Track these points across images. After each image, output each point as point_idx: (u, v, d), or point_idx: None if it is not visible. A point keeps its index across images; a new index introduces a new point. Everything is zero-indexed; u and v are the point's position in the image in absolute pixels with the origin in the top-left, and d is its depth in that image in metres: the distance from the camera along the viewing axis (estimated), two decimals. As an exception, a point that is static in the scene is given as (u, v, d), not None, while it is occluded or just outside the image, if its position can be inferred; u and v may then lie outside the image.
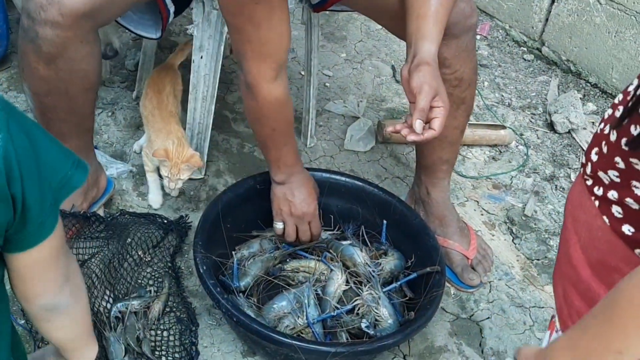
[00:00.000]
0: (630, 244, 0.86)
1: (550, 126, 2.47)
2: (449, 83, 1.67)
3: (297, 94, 2.39)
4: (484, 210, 2.11)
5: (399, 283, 1.70)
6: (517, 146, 2.37)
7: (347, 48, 2.69)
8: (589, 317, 0.80)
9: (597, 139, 0.92)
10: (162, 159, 1.78)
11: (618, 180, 0.87)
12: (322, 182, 1.82)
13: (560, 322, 0.99)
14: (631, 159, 0.84)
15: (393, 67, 2.63)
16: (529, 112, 2.55)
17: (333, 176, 1.85)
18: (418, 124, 1.33)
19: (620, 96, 0.90)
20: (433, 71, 1.39)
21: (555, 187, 2.22)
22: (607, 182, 0.89)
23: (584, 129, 2.45)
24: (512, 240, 2.02)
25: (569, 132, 2.45)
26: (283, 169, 1.67)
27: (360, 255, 1.70)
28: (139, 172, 2.01)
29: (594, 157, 0.92)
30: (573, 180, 2.23)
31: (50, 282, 0.92)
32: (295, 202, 1.69)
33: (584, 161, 0.95)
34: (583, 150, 2.37)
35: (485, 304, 1.82)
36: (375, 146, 2.25)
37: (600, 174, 0.90)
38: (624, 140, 0.84)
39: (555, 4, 2.75)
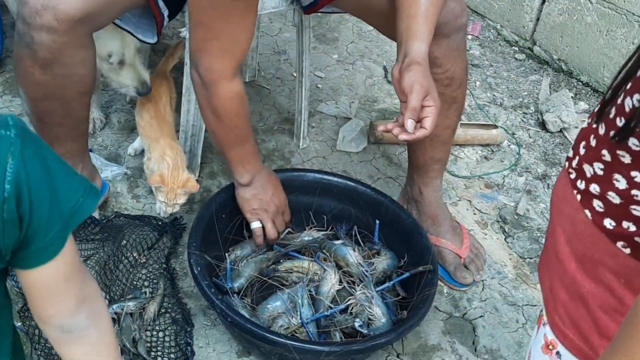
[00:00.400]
0: (612, 237, 0.87)
1: (542, 125, 2.49)
2: (440, 82, 1.68)
3: (290, 96, 2.40)
4: (477, 209, 2.12)
5: (392, 282, 1.71)
6: (509, 145, 2.39)
7: (339, 49, 2.71)
8: (616, 339, 0.78)
9: (586, 132, 0.94)
10: (158, 185, 1.79)
11: (602, 173, 0.88)
12: (314, 182, 1.83)
13: (547, 316, 1.00)
14: (618, 151, 0.85)
15: (385, 68, 2.65)
16: (520, 112, 2.56)
17: (326, 177, 1.87)
18: (410, 123, 1.35)
19: (610, 92, 0.91)
20: (424, 70, 1.40)
21: (548, 186, 2.24)
22: (589, 176, 0.90)
23: (576, 127, 2.47)
24: (505, 239, 2.03)
25: (560, 131, 2.47)
26: (248, 168, 1.69)
27: (353, 255, 1.71)
28: (133, 175, 2.02)
29: (582, 151, 0.93)
30: (564, 178, 2.25)
31: (63, 304, 0.91)
32: (266, 198, 1.71)
33: (570, 155, 0.96)
34: (574, 148, 2.39)
35: (478, 302, 1.83)
36: (367, 147, 2.26)
37: (585, 166, 0.91)
38: (612, 133, 0.85)
39: (546, 3, 2.77)
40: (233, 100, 1.58)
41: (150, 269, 1.76)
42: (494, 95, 2.63)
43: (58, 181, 0.82)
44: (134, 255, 1.76)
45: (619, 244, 0.87)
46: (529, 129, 2.48)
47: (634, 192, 0.84)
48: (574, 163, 0.94)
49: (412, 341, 1.71)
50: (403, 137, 1.36)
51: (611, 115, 0.87)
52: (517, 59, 2.85)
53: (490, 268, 1.93)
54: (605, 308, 0.91)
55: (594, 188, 0.89)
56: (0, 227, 0.77)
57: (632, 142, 0.82)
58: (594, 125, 0.91)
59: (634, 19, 2.47)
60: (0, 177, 0.75)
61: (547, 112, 2.48)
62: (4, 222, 0.77)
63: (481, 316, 1.80)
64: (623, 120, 0.83)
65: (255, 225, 1.73)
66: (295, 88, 2.20)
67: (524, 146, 2.39)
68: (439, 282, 1.77)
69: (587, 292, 0.90)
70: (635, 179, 0.83)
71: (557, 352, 0.98)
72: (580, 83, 2.72)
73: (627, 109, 0.83)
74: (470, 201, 2.15)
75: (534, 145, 2.40)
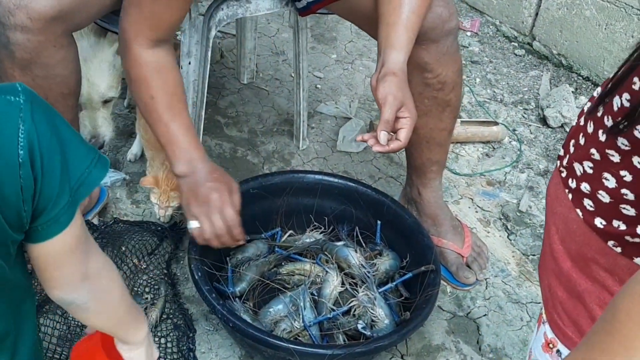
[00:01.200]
0: (603, 236, 0.87)
1: (543, 121, 2.47)
2: (432, 87, 1.68)
3: (289, 97, 2.39)
4: (479, 207, 2.11)
5: (394, 283, 1.70)
6: (510, 142, 2.37)
7: (337, 49, 2.70)
8: (592, 333, 0.79)
9: (575, 131, 0.93)
10: (150, 186, 1.77)
11: (591, 171, 0.88)
12: (315, 184, 1.82)
13: (547, 314, 1.00)
14: (607, 150, 0.85)
15: (384, 67, 2.63)
16: (521, 108, 2.55)
17: (326, 178, 1.85)
18: (382, 136, 1.36)
19: (599, 89, 0.91)
20: (399, 82, 1.40)
21: (549, 182, 2.23)
22: (579, 174, 0.90)
23: (577, 122, 2.45)
24: (508, 237, 2.02)
25: (561, 126, 2.45)
26: (179, 155, 1.51)
27: (355, 257, 1.70)
28: (132, 180, 2.01)
29: (572, 149, 0.93)
30: (566, 174, 2.23)
31: (64, 278, 0.90)
32: (202, 191, 1.52)
33: (561, 153, 0.96)
34: (576, 144, 2.37)
35: (481, 301, 1.82)
36: (367, 146, 2.24)
37: (575, 165, 0.91)
38: (600, 132, 0.85)
39: (544, -2, 2.75)
40: (143, 67, 1.48)
41: (150, 275, 1.75)
42: (494, 92, 2.61)
43: (67, 148, 0.81)
44: (134, 261, 1.75)
45: (610, 242, 0.86)
46: (530, 125, 2.46)
47: (623, 191, 0.83)
48: (565, 161, 0.94)
49: (416, 342, 1.69)
50: (376, 149, 1.37)
51: (599, 114, 0.87)
52: (516, 55, 2.83)
53: (494, 266, 1.92)
54: (602, 305, 0.91)
55: (585, 187, 0.89)
56: (20, 193, 0.76)
57: (621, 141, 0.82)
58: (582, 124, 0.91)
59: (633, 12, 2.46)
60: (14, 143, 0.75)
61: (547, 107, 2.47)
62: (22, 188, 0.76)
63: (485, 315, 1.79)
64: (610, 120, 0.83)
65: (190, 225, 1.54)
66: (294, 89, 2.19)
67: (525, 142, 2.38)
68: (442, 282, 1.76)
69: (583, 290, 0.90)
70: (625, 178, 0.83)
71: (558, 351, 0.98)
72: (580, 77, 2.70)
73: (615, 108, 0.82)
74: (472, 199, 2.13)
75: (536, 141, 2.39)
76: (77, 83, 1.65)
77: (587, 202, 0.89)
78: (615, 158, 0.84)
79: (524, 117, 2.50)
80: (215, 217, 1.51)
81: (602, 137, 0.85)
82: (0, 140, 0.75)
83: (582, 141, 0.90)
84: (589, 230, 0.88)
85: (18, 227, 0.80)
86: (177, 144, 1.51)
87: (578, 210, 0.90)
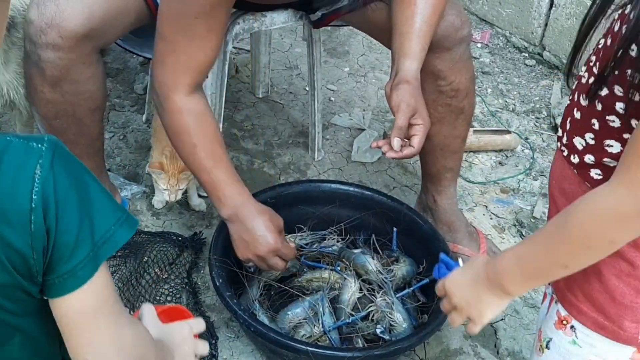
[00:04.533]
0: None
1: (555, 129, 2.50)
2: (446, 94, 1.71)
3: (303, 109, 2.43)
4: (493, 214, 2.13)
5: (411, 289, 1.72)
6: (523, 150, 2.40)
7: (350, 62, 2.74)
8: (540, 234, 0.96)
9: (569, 108, 0.97)
10: (157, 171, 1.81)
11: (593, 142, 0.92)
12: (331, 193, 1.85)
13: (558, 294, 1.04)
14: (607, 117, 0.89)
15: (396, 79, 2.67)
16: (533, 116, 2.58)
17: (342, 187, 1.89)
18: (396, 142, 1.40)
19: (584, 68, 0.96)
20: (412, 89, 1.43)
21: (563, 189, 2.25)
22: (581, 148, 0.94)
23: (589, 130, 2.48)
24: (522, 242, 2.04)
25: (573, 133, 2.48)
26: (225, 201, 1.53)
27: (372, 263, 1.73)
28: (152, 193, 2.06)
29: (568, 126, 0.97)
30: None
31: (93, 346, 0.84)
32: (252, 241, 1.53)
33: (559, 134, 1.00)
34: (588, 150, 2.39)
35: (498, 305, 1.84)
36: (382, 157, 2.28)
37: (576, 139, 0.95)
38: (596, 102, 0.90)
39: (553, 8, 2.78)
40: (184, 116, 1.50)
41: (172, 284, 1.78)
42: (506, 102, 2.64)
43: (91, 203, 0.80)
44: (156, 270, 1.79)
45: None
46: (542, 133, 2.49)
47: None
48: (565, 140, 0.98)
49: (434, 346, 1.72)
50: (390, 155, 1.40)
51: (583, 80, 0.94)
52: (527, 65, 2.86)
53: (509, 272, 1.93)
54: (619, 274, 0.94)
55: (589, 158, 0.93)
56: (29, 240, 0.76)
57: (619, 106, 0.87)
58: (576, 99, 0.95)
59: (642, 20, 2.48)
60: (28, 187, 0.76)
61: (559, 115, 2.49)
62: (32, 236, 0.76)
63: (502, 319, 1.80)
64: (605, 90, 0.89)
65: (247, 266, 1.63)
66: (309, 101, 2.23)
67: (537, 150, 2.40)
68: (459, 287, 1.78)
69: (599, 264, 0.93)
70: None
71: (572, 326, 1.01)
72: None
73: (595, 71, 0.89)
74: (486, 206, 2.16)
75: (548, 149, 2.41)
76: (103, 98, 1.70)
77: (595, 172, 0.93)
78: (616, 123, 0.88)
79: (535, 125, 2.53)
80: (272, 261, 1.56)
81: (599, 106, 0.89)
82: (15, 182, 0.76)
83: (578, 115, 0.95)
84: None
85: (28, 276, 0.79)
86: (224, 191, 1.53)
87: (587, 183, 0.94)
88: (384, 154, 1.42)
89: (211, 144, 1.54)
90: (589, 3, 2.71)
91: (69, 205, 0.78)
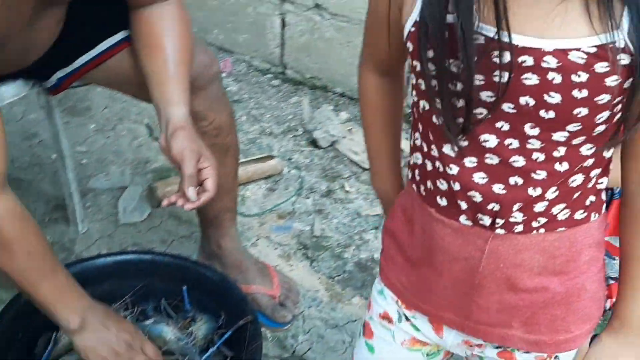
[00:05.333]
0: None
1: (314, 143, 2.56)
2: (210, 134, 1.67)
3: (54, 180, 2.24)
4: (276, 243, 2.12)
5: (215, 347, 1.64)
6: (289, 171, 2.43)
7: (94, 118, 2.58)
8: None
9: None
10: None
11: (431, 169, 0.94)
12: (106, 267, 1.71)
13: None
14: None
15: (148, 126, 2.57)
16: (291, 135, 2.62)
17: (117, 257, 1.75)
18: (191, 192, 1.32)
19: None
20: (189, 134, 1.38)
21: (334, 201, 2.31)
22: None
23: (344, 137, 2.58)
24: (310, 264, 2.06)
25: (331, 144, 2.56)
26: (71, 307, 1.35)
27: (169, 332, 1.62)
28: None
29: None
30: (348, 190, 2.33)
31: None
32: (113, 338, 1.39)
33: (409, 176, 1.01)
34: (349, 159, 2.49)
35: (303, 336, 1.83)
36: (152, 212, 2.17)
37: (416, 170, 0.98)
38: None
39: (286, 27, 2.86)
40: (6, 220, 1.24)
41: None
42: (262, 126, 2.66)
43: None
44: None
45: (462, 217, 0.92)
46: (303, 151, 2.54)
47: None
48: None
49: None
50: (188, 207, 1.33)
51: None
52: (273, 86, 2.91)
53: (305, 297, 1.94)
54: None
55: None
56: None
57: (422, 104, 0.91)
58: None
59: (367, 27, 2.64)
60: None
61: (315, 130, 2.56)
62: None
63: (309, 349, 1.80)
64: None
65: None
66: (58, 171, 2.05)
67: (303, 168, 2.44)
68: (262, 328, 1.74)
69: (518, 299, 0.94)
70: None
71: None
72: (336, 95, 2.84)
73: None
74: (268, 237, 2.15)
75: (312, 165, 2.47)
76: None
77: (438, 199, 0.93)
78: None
79: (295, 144, 2.58)
80: (139, 357, 1.41)
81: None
82: None
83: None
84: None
85: None
86: (67, 298, 1.35)
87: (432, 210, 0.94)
88: (181, 207, 1.33)
89: (45, 249, 1.34)
90: (317, 19, 2.82)
91: None
